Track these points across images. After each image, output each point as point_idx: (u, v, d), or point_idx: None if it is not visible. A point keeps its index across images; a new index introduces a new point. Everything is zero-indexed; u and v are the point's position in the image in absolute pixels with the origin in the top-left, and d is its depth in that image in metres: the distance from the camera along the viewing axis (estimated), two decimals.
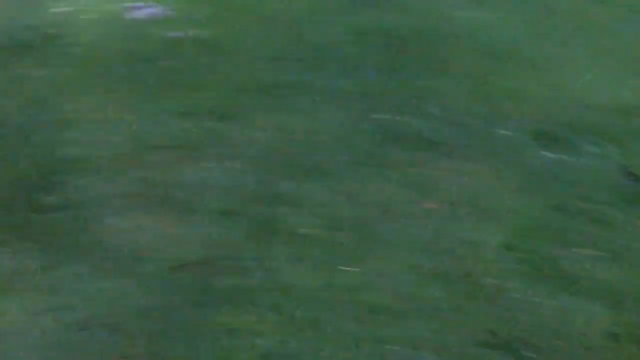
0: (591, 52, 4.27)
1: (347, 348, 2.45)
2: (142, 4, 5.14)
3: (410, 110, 3.79)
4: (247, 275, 2.81)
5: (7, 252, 2.92)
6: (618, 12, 4.73)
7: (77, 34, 4.84)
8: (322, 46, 4.44)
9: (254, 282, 2.77)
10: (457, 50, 4.33)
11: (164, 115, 3.88)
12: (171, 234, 3.06)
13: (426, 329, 2.49)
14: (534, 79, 3.99)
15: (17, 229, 3.07)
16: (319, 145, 3.54)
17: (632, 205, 2.95)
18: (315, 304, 2.64)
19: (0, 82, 4.17)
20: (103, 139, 3.66)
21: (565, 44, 4.39)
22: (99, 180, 3.36)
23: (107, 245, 3.03)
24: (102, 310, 2.70)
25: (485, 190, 3.17)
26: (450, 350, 2.40)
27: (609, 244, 2.78)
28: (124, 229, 3.11)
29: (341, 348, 2.46)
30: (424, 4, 4.87)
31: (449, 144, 3.50)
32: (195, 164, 3.49)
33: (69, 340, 2.54)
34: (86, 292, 2.78)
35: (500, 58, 4.26)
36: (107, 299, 2.74)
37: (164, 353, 2.51)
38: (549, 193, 3.06)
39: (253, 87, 4.13)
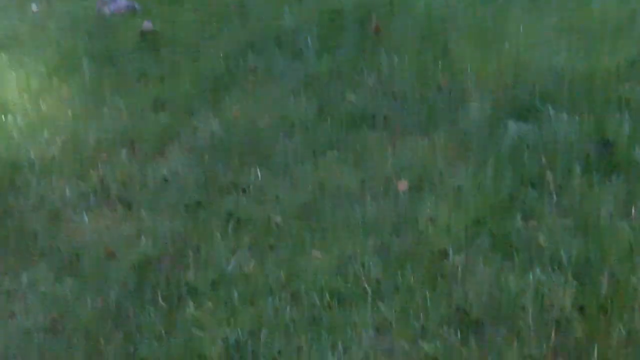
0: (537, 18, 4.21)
1: (317, 336, 2.42)
2: None
3: (369, 89, 3.73)
4: (217, 267, 2.77)
5: None
6: None
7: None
8: (283, 31, 4.38)
9: (223, 274, 2.73)
10: (411, 22, 4.28)
11: (131, 109, 3.83)
12: (139, 229, 3.02)
13: (393, 311, 2.46)
14: (492, 47, 3.92)
15: None
16: (283, 131, 3.50)
17: (602, 174, 2.90)
18: (282, 293, 2.60)
19: None
20: (62, 137, 3.62)
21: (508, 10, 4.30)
22: (57, 179, 3.32)
23: (74, 243, 2.99)
24: (71, 309, 2.67)
25: (452, 165, 3.12)
26: (418, 332, 2.38)
27: (578, 214, 2.73)
28: (91, 226, 3.08)
29: (311, 336, 2.43)
30: None
31: (410, 120, 3.44)
32: (162, 156, 3.45)
33: (31, 346, 2.51)
34: (47, 296, 2.74)
35: (455, 28, 4.19)
36: (69, 301, 2.70)
37: (134, 348, 2.48)
38: (517, 165, 3.02)
39: (222, 75, 4.08)
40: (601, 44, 3.89)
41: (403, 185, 3.04)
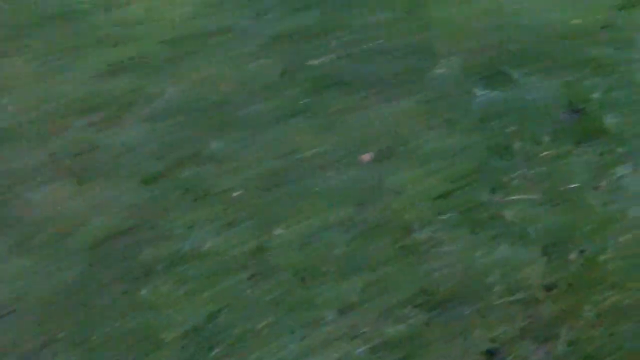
0: None
1: (279, 317, 2.34)
2: None
3: (342, 51, 3.61)
4: (174, 245, 2.67)
5: None
6: None
7: None
8: None
9: (181, 252, 2.63)
10: None
11: (84, 75, 3.68)
12: (94, 204, 2.90)
13: (357, 290, 2.38)
14: (463, 5, 3.81)
15: None
16: (245, 96, 3.37)
17: (571, 143, 2.82)
18: (247, 272, 2.51)
19: None
20: (18, 106, 3.47)
21: None
22: (7, 152, 3.18)
23: (26, 220, 2.87)
24: (24, 291, 2.57)
25: (419, 134, 3.02)
26: (382, 313, 2.30)
27: (547, 186, 2.65)
28: (44, 202, 2.95)
29: (273, 317, 2.35)
30: None
31: (379, 85, 3.33)
32: (118, 125, 3.32)
33: None
34: (5, 272, 2.64)
35: None
36: (29, 278, 2.60)
37: (89, 332, 2.39)
38: (486, 133, 2.93)
39: (181, 37, 3.93)
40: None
41: (368, 157, 2.94)
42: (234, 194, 2.86)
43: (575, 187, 2.63)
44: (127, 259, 2.63)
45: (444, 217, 2.61)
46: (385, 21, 3.77)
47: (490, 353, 2.12)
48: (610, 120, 2.90)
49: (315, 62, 3.57)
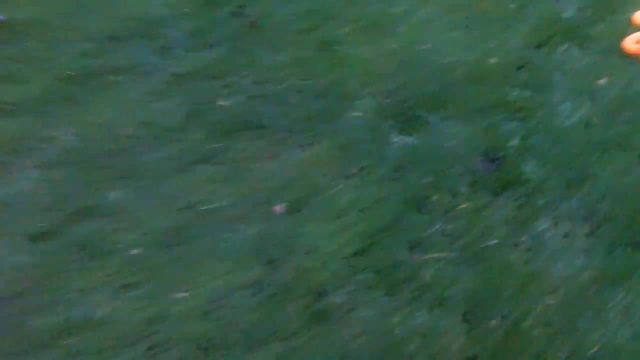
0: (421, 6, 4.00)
1: None
2: None
3: (245, 91, 3.43)
4: (65, 312, 2.44)
5: None
6: None
7: None
8: (151, 21, 4.00)
9: (72, 321, 2.40)
10: (290, 13, 4.00)
11: None
12: None
13: None
14: (378, 42, 3.69)
15: None
16: (147, 141, 3.16)
17: (490, 194, 2.72)
18: (144, 344, 2.30)
19: None
20: None
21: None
22: None
23: None
24: None
25: (334, 183, 2.87)
26: None
27: (466, 242, 2.54)
28: None
29: None
30: None
31: (291, 128, 3.17)
32: (5, 174, 3.05)
33: None
34: None
35: (339, 20, 3.93)
36: None
37: None
38: (402, 184, 2.80)
39: (79, 75, 3.68)
40: (490, 36, 3.72)
41: (280, 209, 2.77)
42: (132, 252, 2.64)
43: (494, 243, 2.52)
44: (11, 330, 2.38)
45: (359, 277, 2.46)
46: (295, 60, 3.61)
47: None
48: (529, 169, 2.81)
49: (224, 102, 3.38)
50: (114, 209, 2.83)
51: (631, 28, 3.61)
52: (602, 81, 3.29)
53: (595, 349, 2.15)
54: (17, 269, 2.60)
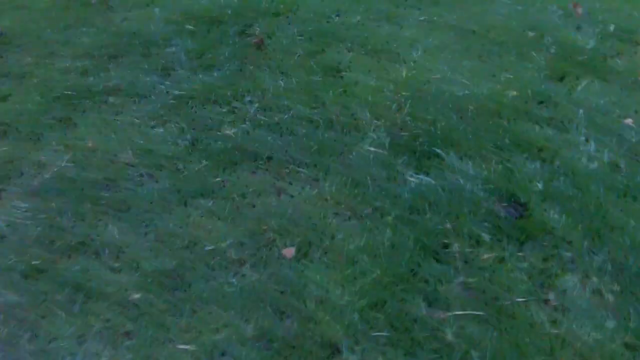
0: (428, 34, 3.87)
1: None
2: None
3: (251, 118, 3.29)
4: None
5: None
6: None
7: None
8: (152, 40, 3.85)
9: None
10: (298, 35, 3.86)
11: None
12: None
13: None
14: (387, 72, 3.56)
15: None
16: (145, 170, 3.01)
17: (514, 244, 2.59)
18: None
19: None
20: None
21: (403, 26, 3.96)
22: None
23: None
24: None
25: (344, 225, 2.73)
26: None
27: (490, 298, 2.41)
28: None
29: None
30: None
31: (298, 161, 3.03)
32: None
33: None
34: None
35: (348, 43, 3.79)
36: None
37: None
38: (419, 228, 2.66)
39: (74, 93, 3.53)
40: (507, 67, 3.60)
41: (289, 252, 2.64)
42: (131, 296, 2.50)
43: (519, 300, 2.39)
44: None
45: (375, 333, 2.33)
46: (302, 86, 3.48)
47: None
48: (553, 217, 2.69)
49: (228, 131, 3.24)
50: (110, 246, 2.69)
51: None
52: (628, 120, 3.18)
53: None
54: (8, 309, 2.46)
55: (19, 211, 2.86)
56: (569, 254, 2.54)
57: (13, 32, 3.93)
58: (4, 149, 3.19)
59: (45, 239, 2.73)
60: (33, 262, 2.63)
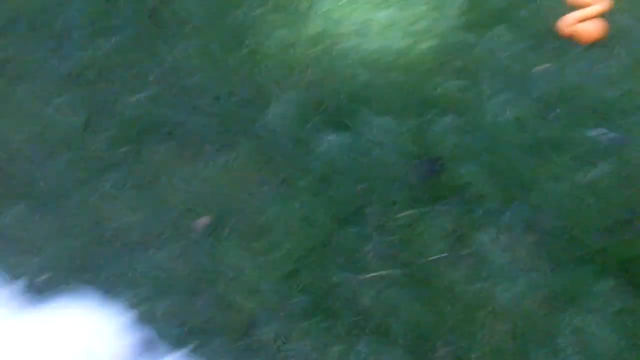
0: None
1: None
2: None
3: (152, 90, 3.30)
4: None
5: None
6: None
7: None
8: (40, 10, 3.79)
9: None
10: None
11: None
12: None
13: None
14: (297, 29, 3.59)
15: None
16: (40, 152, 3.01)
17: (426, 203, 2.70)
18: None
19: None
20: None
21: None
22: None
23: None
24: None
25: (254, 195, 2.80)
26: None
27: (406, 258, 2.52)
28: None
29: None
30: None
31: (204, 132, 3.07)
32: None
33: None
34: None
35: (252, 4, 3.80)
36: None
37: None
38: (330, 194, 2.75)
39: None
40: (420, 17, 3.68)
41: (198, 227, 2.69)
42: (38, 279, 2.53)
43: (435, 259, 2.51)
44: None
45: (291, 304, 2.42)
46: (203, 51, 3.49)
47: None
48: (466, 173, 2.80)
49: (128, 101, 3.25)
50: (10, 234, 2.70)
51: (566, 8, 3.63)
52: (535, 70, 3.31)
53: None
54: None
55: None
56: (481, 211, 2.66)
57: None
58: None
59: None
60: None
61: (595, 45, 3.41)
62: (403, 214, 2.67)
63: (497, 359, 2.21)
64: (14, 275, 2.54)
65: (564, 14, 3.57)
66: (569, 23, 3.52)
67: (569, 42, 3.46)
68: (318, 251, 2.56)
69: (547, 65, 3.35)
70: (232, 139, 3.04)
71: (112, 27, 3.66)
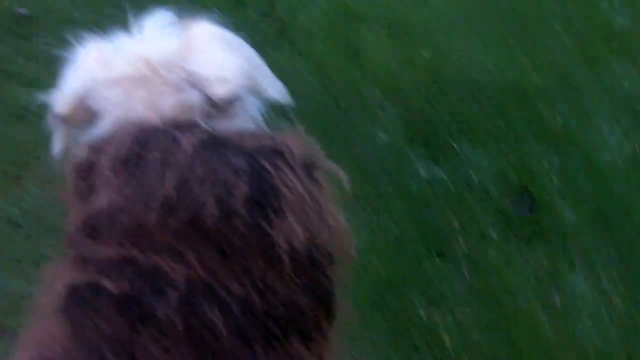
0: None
1: None
2: None
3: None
4: None
5: None
6: None
7: None
8: None
9: None
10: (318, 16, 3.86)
11: None
12: None
13: None
14: (409, 52, 3.54)
15: None
16: None
17: (520, 241, 2.63)
18: None
19: None
20: None
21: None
22: None
23: None
24: None
25: (353, 215, 2.79)
26: None
27: (490, 299, 2.47)
28: None
29: None
30: None
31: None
32: None
33: None
34: None
35: (370, 24, 3.76)
36: None
37: None
38: (423, 223, 2.72)
39: None
40: (531, 48, 3.60)
41: None
42: None
43: (523, 303, 2.45)
44: None
45: (371, 332, 2.41)
46: (321, 66, 3.49)
47: None
48: (567, 214, 2.72)
49: None
50: None
51: None
52: None
53: None
54: None
55: None
56: (580, 255, 2.58)
57: None
58: None
59: None
60: None
61: None
62: (495, 251, 2.62)
63: None
64: None
65: None
66: None
67: None
68: (404, 279, 2.55)
69: None
70: (333, 154, 3.04)
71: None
